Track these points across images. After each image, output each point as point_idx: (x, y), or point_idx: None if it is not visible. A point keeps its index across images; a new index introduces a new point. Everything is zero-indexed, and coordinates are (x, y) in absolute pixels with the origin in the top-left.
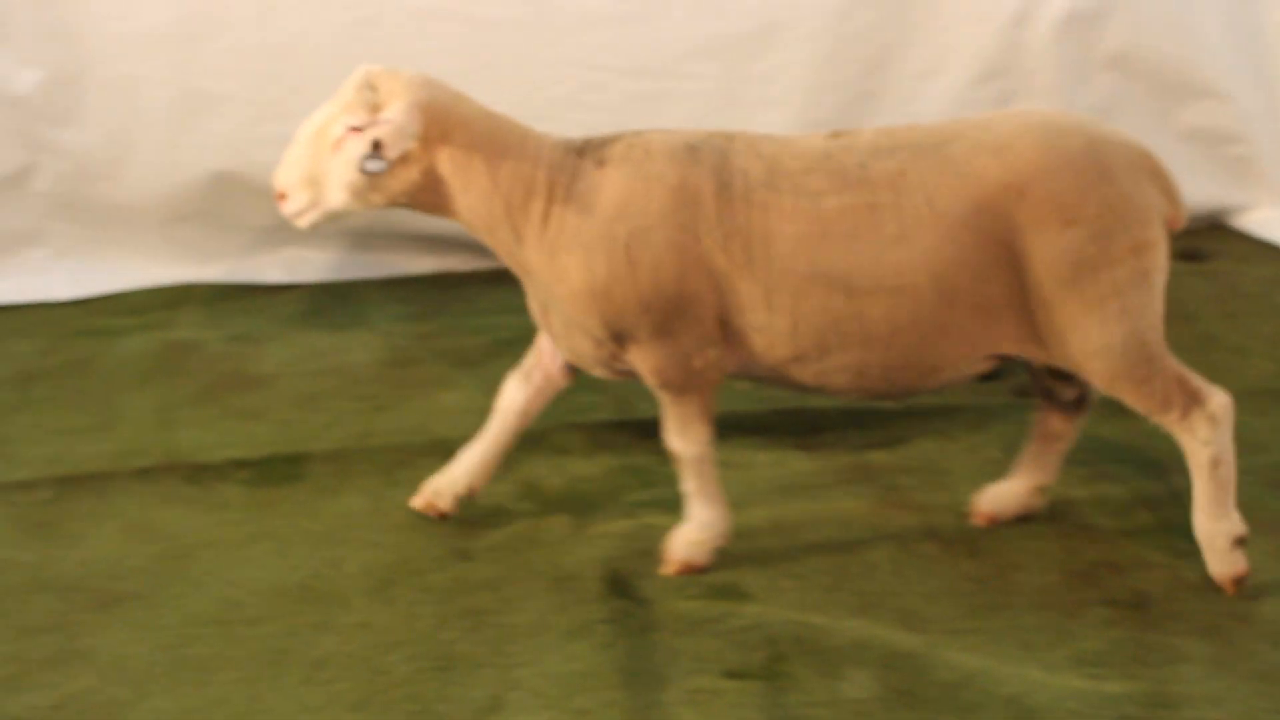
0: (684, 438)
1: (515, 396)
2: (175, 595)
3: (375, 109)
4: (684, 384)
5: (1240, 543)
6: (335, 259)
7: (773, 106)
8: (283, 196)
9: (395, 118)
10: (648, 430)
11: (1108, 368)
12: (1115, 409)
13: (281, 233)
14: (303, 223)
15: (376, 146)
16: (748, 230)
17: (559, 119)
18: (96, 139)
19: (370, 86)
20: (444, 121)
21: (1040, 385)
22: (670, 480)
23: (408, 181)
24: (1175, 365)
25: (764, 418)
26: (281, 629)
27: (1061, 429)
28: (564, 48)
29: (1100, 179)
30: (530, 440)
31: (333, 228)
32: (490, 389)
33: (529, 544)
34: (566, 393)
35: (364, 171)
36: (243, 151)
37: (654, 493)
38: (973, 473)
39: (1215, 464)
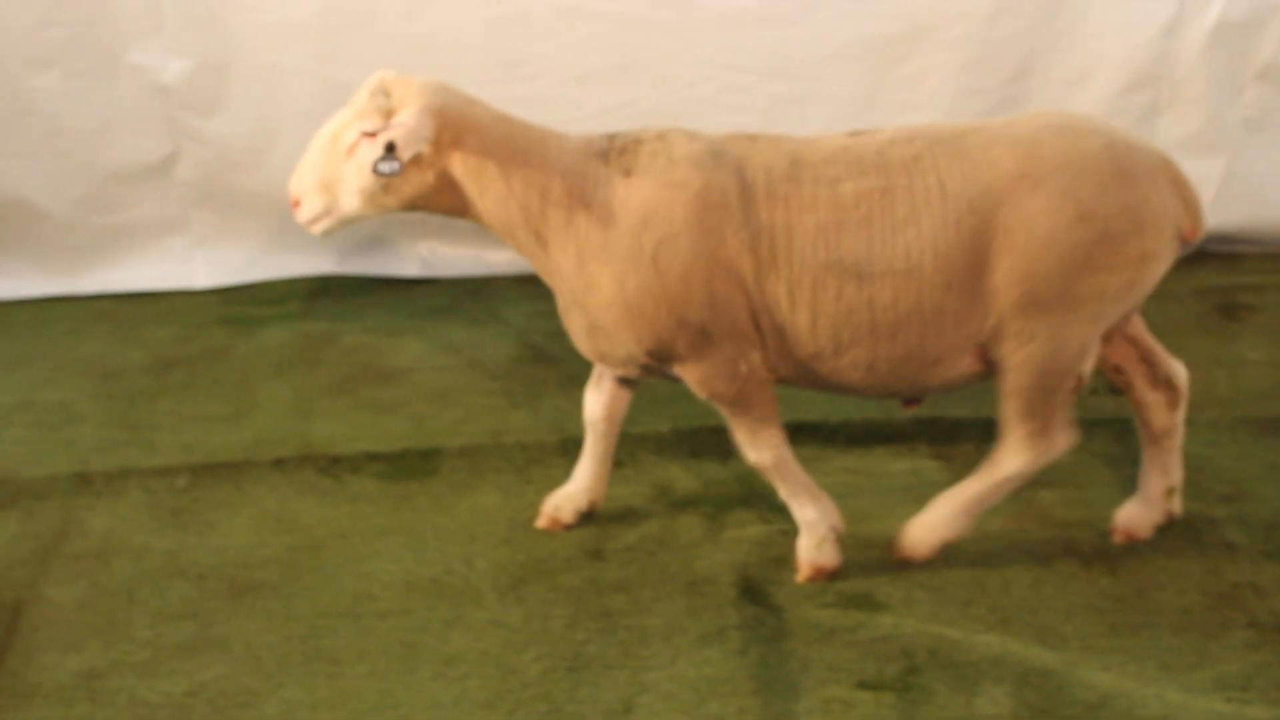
0: (755, 447)
1: (594, 405)
2: (308, 586)
3: (389, 114)
4: (735, 393)
5: (943, 545)
6: (472, 255)
7: (916, 111)
8: (297, 203)
9: (408, 121)
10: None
11: (1039, 370)
12: (1262, 429)
13: (420, 227)
14: (318, 229)
15: (390, 149)
16: (771, 226)
17: (701, 119)
18: (240, 128)
19: (383, 92)
20: (457, 126)
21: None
22: None
23: (421, 185)
24: (1068, 396)
25: (900, 426)
26: (413, 623)
27: (1165, 423)
28: (708, 48)
29: (1120, 181)
30: (664, 442)
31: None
32: None
33: (661, 546)
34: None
35: (377, 173)
36: None
37: None
38: (1112, 488)
39: (1005, 483)
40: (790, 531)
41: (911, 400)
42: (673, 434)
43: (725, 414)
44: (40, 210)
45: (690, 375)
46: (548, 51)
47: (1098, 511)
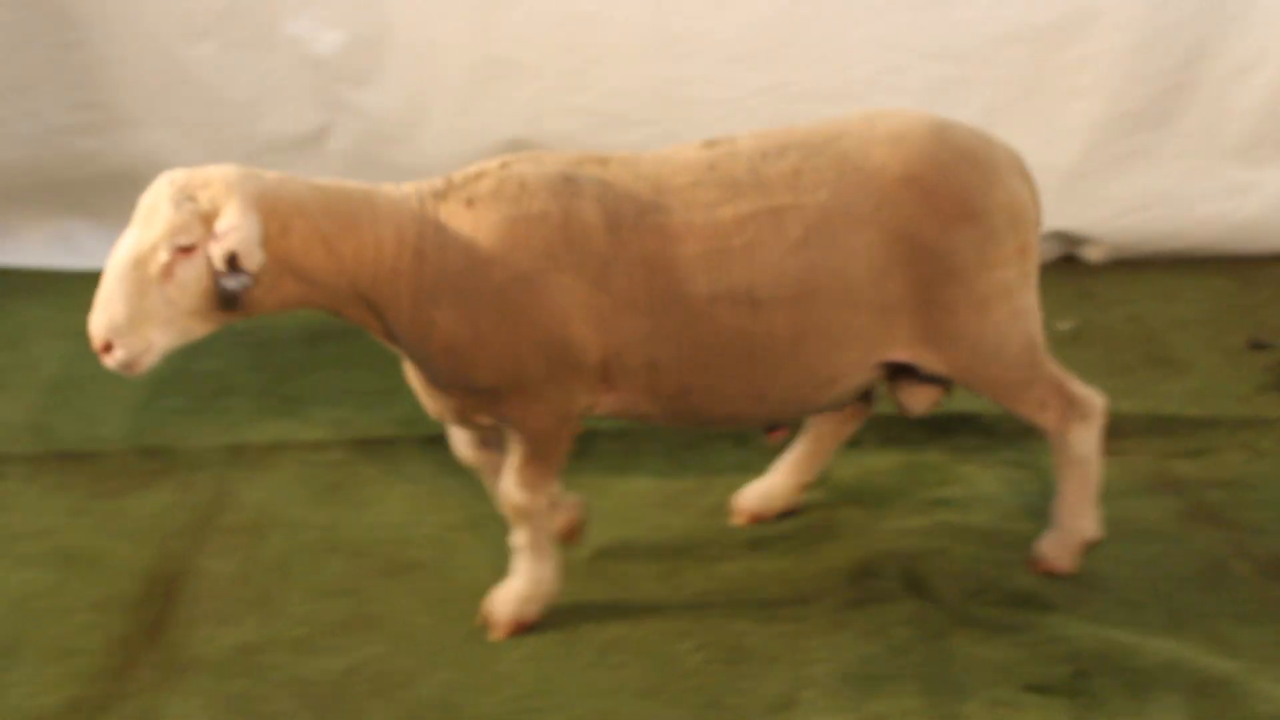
0: (532, 489)
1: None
2: (463, 566)
3: (205, 219)
4: (555, 434)
5: (1088, 546)
6: None
7: (1080, 96)
8: (107, 347)
9: (237, 222)
10: (940, 426)
11: (996, 372)
12: None
13: None
14: (140, 368)
15: (231, 262)
16: (641, 259)
17: (859, 100)
18: (394, 101)
19: (187, 197)
20: (280, 211)
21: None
22: (965, 480)
23: (275, 288)
24: (1053, 368)
25: None
26: (570, 608)
27: (850, 427)
28: (869, 28)
29: (994, 175)
30: None
31: None
32: None
33: (823, 536)
34: None
35: (226, 292)
36: (536, 120)
37: (949, 491)
38: None
39: (1082, 464)
40: (952, 524)
41: (775, 427)
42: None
43: (520, 450)
44: None
45: (519, 411)
46: (705, 30)
47: (1270, 513)
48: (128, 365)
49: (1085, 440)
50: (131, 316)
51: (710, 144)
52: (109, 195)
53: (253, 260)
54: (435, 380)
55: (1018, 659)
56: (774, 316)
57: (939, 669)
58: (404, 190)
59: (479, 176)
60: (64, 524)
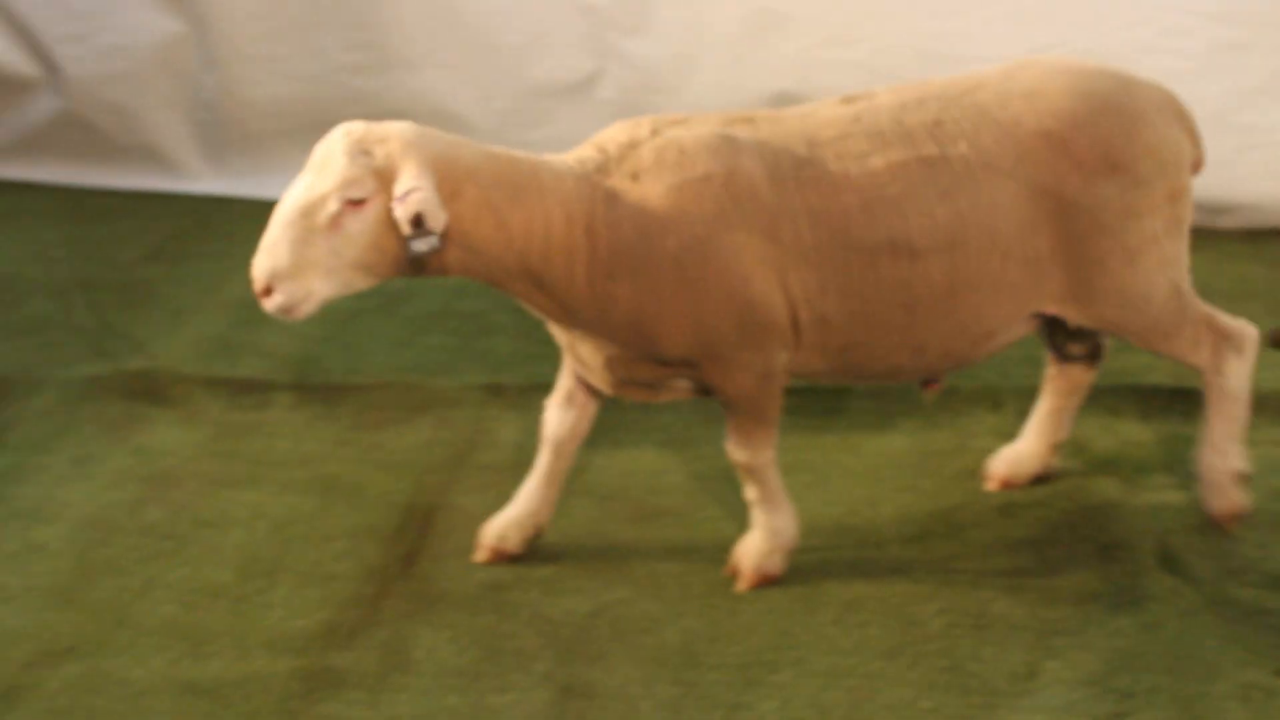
0: (750, 446)
1: (560, 424)
2: (711, 517)
3: (381, 176)
4: (759, 394)
5: (1243, 479)
6: None
7: None
8: (268, 290)
9: (419, 184)
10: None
11: (1145, 320)
12: None
13: None
14: (299, 315)
15: (417, 223)
16: (806, 211)
17: (1135, 63)
18: (664, 51)
19: (363, 151)
20: (455, 177)
21: (1052, 344)
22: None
23: (439, 255)
24: (1201, 306)
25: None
26: (815, 564)
27: (1081, 379)
28: None
29: (1139, 122)
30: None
31: None
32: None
33: (1076, 506)
34: (1115, 351)
35: (415, 254)
36: (806, 74)
37: None
38: None
39: (1235, 399)
40: None
41: (931, 381)
42: (1091, 390)
43: (733, 412)
44: (467, 122)
45: (722, 377)
46: None
47: None
48: (286, 310)
49: (1240, 373)
50: (295, 263)
51: (850, 99)
52: None
53: (438, 221)
54: (627, 354)
55: (1273, 642)
56: (930, 265)
57: (1189, 648)
58: (566, 163)
59: (633, 146)
60: (327, 453)
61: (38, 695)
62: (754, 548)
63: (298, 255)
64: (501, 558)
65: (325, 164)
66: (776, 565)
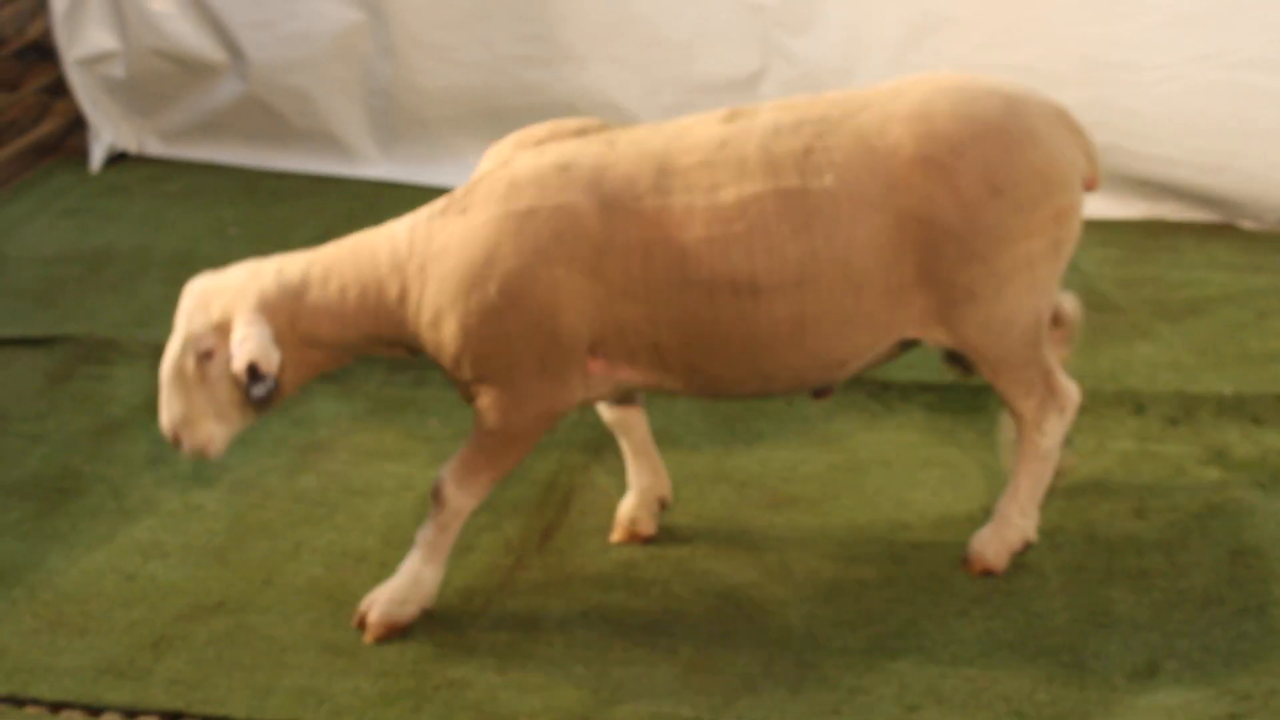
0: (468, 488)
1: (607, 409)
2: (845, 507)
3: (219, 327)
4: (522, 431)
5: (1025, 546)
6: None
7: None
8: (177, 441)
9: (250, 330)
10: None
11: (1002, 349)
12: None
13: None
14: (211, 455)
15: (253, 372)
16: (640, 246)
17: None
18: (827, 50)
19: (203, 306)
20: (285, 307)
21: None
22: None
23: (303, 364)
24: (1046, 351)
25: None
26: (944, 558)
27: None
28: None
29: (1024, 143)
30: (1224, 404)
31: None
32: (1192, 345)
33: (1210, 510)
34: (1264, 359)
35: (255, 400)
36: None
37: None
38: None
39: (1046, 459)
40: None
41: (823, 390)
42: (1235, 398)
43: (476, 442)
44: (631, 116)
45: (495, 404)
46: None
47: None
48: (198, 453)
49: (1055, 433)
50: (185, 414)
51: (731, 116)
52: None
53: (271, 364)
54: (448, 375)
55: None
56: (774, 303)
57: None
58: (409, 220)
59: (477, 183)
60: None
61: (187, 646)
62: (389, 595)
63: (184, 408)
64: (637, 539)
65: (178, 325)
66: (408, 616)
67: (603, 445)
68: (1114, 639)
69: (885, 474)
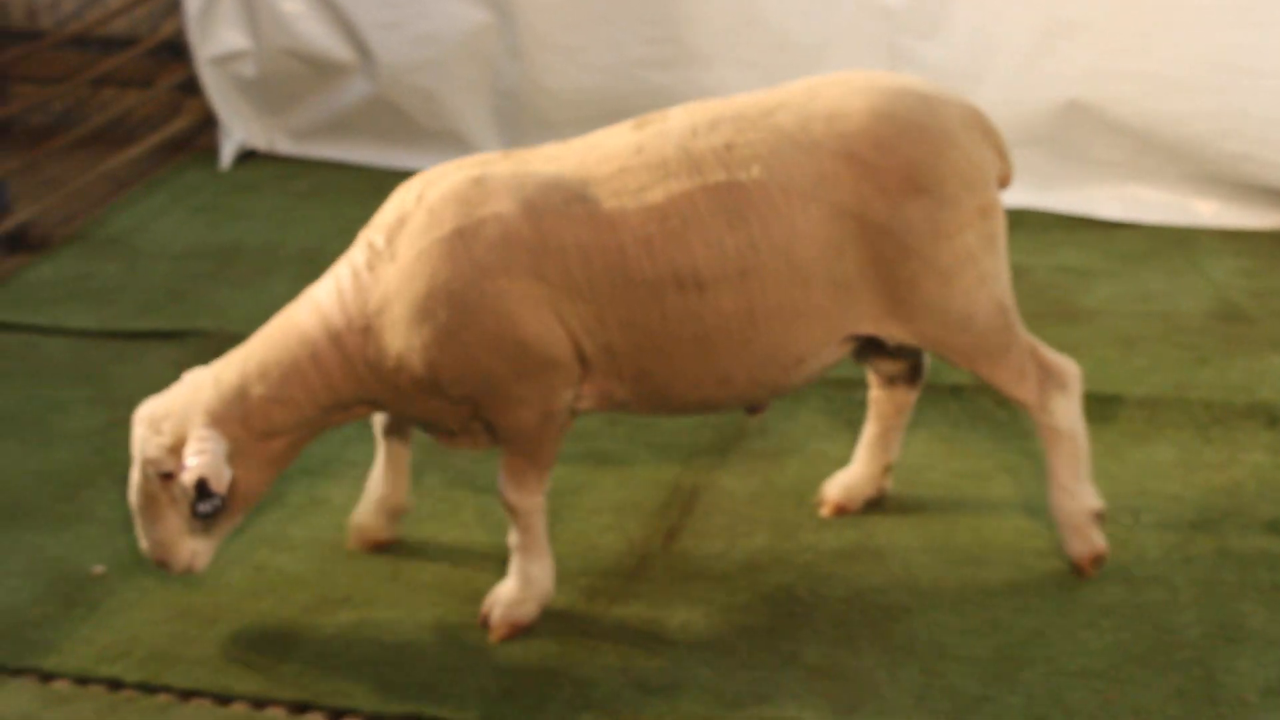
0: (522, 489)
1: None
2: (971, 513)
3: (174, 451)
4: (538, 432)
5: (1098, 518)
6: (1175, 201)
7: None
8: (163, 563)
9: (201, 447)
10: None
11: (970, 339)
12: None
13: (1125, 169)
14: (199, 569)
15: (201, 489)
16: (576, 247)
17: None
18: (957, 55)
19: (155, 431)
20: (232, 414)
21: (871, 366)
22: None
23: (261, 474)
24: (1027, 335)
25: None
26: (1068, 567)
27: (905, 400)
28: None
29: (943, 141)
30: None
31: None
32: None
33: None
34: None
35: (200, 517)
36: (1098, 83)
37: None
38: None
39: (1069, 437)
40: None
41: (755, 408)
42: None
43: (509, 451)
44: None
45: (495, 414)
46: None
47: None
48: (186, 571)
49: (1068, 410)
50: (164, 538)
51: (640, 124)
52: None
53: (221, 481)
54: (428, 418)
55: None
56: (720, 296)
57: None
58: (327, 284)
59: (398, 224)
60: (599, 430)
61: (314, 637)
62: (506, 596)
63: (162, 532)
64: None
65: (134, 452)
66: (529, 615)
67: (728, 448)
68: (1246, 654)
69: (1010, 481)
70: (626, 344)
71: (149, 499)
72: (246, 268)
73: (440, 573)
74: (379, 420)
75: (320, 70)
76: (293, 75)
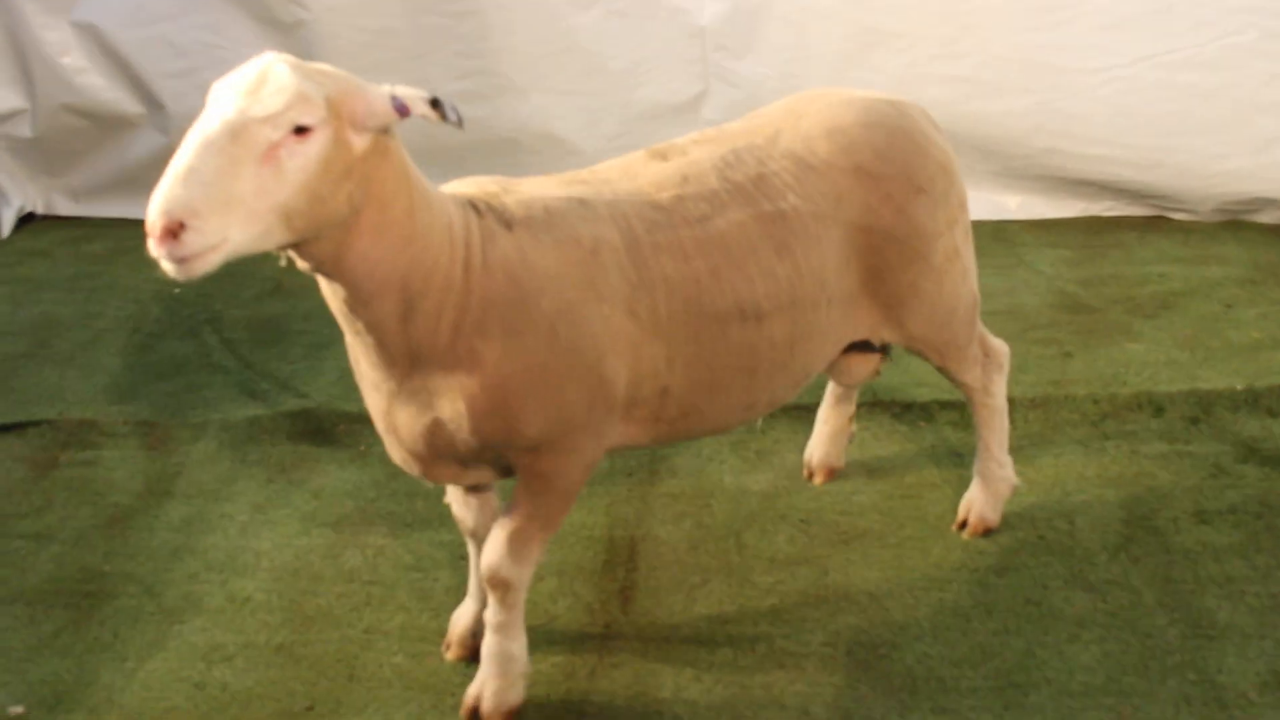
0: (522, 561)
1: (469, 517)
2: (913, 536)
3: (332, 104)
4: (573, 484)
5: (1014, 490)
6: (984, 197)
7: None
8: (180, 226)
9: (404, 91)
10: None
11: (947, 335)
12: None
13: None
14: (201, 268)
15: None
16: (663, 281)
17: (1239, 69)
18: (768, 71)
19: (307, 75)
20: (388, 134)
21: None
22: None
23: (342, 203)
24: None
25: None
26: (1030, 581)
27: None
28: None
29: (921, 140)
30: (1238, 400)
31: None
32: (1178, 342)
33: (1267, 510)
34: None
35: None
36: (909, 89)
37: None
38: None
39: (1003, 413)
40: None
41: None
42: (1246, 392)
43: (526, 511)
44: (572, 146)
45: (550, 462)
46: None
47: None
48: (192, 258)
49: (1002, 390)
50: (217, 197)
51: (660, 154)
52: (493, 160)
53: (420, 107)
54: (458, 430)
55: None
56: (774, 326)
57: None
58: (449, 193)
59: (500, 194)
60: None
61: None
62: (493, 683)
63: (222, 188)
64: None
65: (261, 86)
66: (518, 697)
67: (646, 494)
68: (1230, 651)
69: (939, 497)
70: (683, 383)
71: (238, 140)
72: (68, 343)
73: (399, 665)
74: (465, 519)
75: (104, 125)
76: (73, 132)
